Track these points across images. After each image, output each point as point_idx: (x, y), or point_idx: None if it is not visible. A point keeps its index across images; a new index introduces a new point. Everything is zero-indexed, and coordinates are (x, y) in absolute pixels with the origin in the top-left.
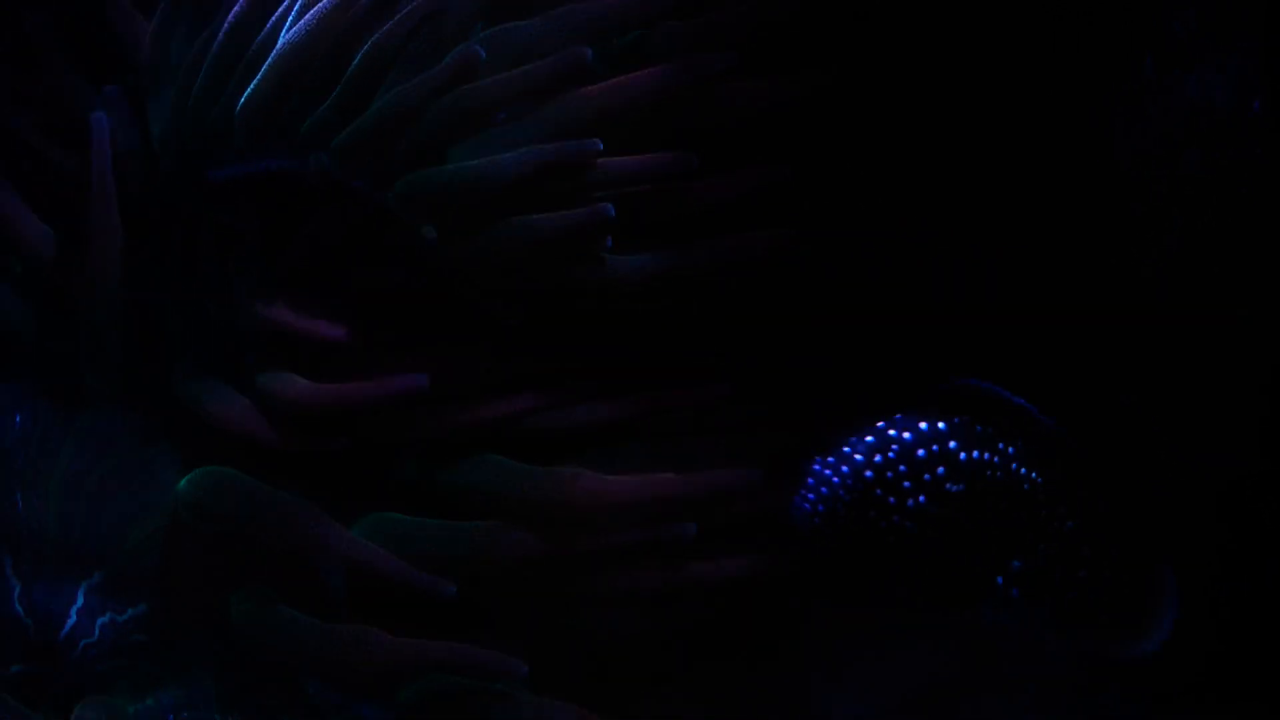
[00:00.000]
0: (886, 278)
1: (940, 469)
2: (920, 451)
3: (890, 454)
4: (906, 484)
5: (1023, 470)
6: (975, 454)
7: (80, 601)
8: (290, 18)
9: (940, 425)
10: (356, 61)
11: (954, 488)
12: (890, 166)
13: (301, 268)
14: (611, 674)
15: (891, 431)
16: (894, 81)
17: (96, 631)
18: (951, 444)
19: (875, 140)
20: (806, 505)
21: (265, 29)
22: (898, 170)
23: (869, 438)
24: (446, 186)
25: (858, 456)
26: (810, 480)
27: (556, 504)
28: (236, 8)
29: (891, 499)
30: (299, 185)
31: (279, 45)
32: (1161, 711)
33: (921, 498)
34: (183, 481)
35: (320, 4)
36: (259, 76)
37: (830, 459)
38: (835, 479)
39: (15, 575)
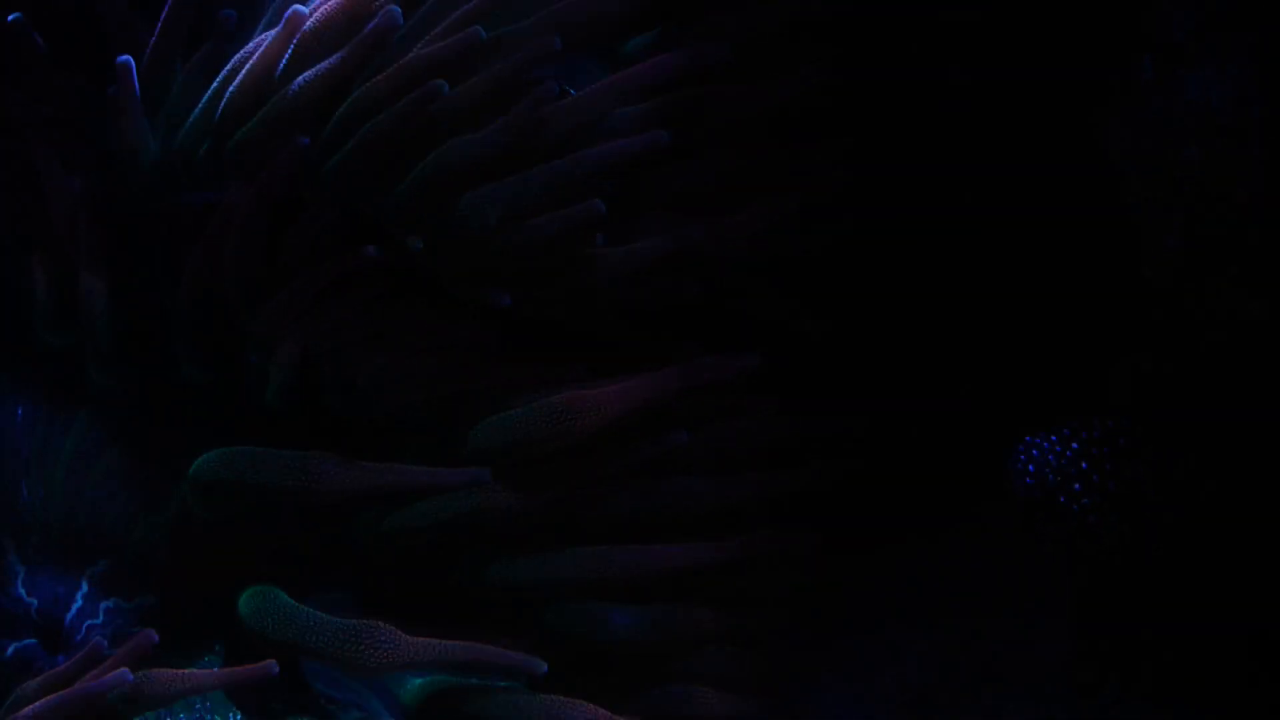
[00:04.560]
0: (884, 271)
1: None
2: (1121, 440)
3: (1095, 433)
4: (1108, 465)
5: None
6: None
7: (85, 589)
8: (283, 64)
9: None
10: (342, 109)
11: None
12: (888, 165)
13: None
14: (616, 668)
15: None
16: (894, 80)
17: (101, 619)
18: (1137, 439)
19: (874, 138)
20: (1019, 467)
21: (255, 67)
22: (896, 169)
23: (1067, 427)
24: (427, 181)
25: (1070, 439)
26: (1024, 451)
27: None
28: (239, 55)
29: (1095, 476)
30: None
31: (276, 98)
32: (1161, 711)
33: (1111, 481)
34: (192, 467)
35: (319, 66)
36: (253, 121)
37: (1042, 438)
38: (1051, 454)
39: (20, 562)
